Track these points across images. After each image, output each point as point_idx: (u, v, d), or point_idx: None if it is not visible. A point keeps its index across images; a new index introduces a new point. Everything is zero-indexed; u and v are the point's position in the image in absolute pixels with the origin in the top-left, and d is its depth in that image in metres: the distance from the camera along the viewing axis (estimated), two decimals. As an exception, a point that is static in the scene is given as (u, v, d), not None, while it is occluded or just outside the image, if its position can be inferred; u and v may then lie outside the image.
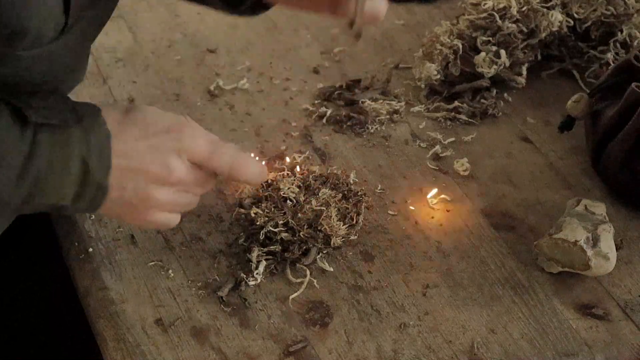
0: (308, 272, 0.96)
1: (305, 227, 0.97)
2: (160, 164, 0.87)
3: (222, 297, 0.94)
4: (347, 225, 1.00)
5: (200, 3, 1.10)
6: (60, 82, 0.92)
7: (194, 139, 0.89)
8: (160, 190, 0.89)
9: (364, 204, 1.02)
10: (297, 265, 0.98)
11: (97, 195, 0.86)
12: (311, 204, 0.99)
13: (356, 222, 1.01)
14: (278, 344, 0.91)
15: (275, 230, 0.97)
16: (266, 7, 1.00)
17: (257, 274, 0.96)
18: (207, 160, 0.89)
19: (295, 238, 0.97)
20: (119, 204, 0.87)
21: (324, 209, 0.98)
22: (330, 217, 0.98)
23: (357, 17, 0.87)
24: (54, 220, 1.04)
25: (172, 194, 0.89)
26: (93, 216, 1.03)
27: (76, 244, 1.01)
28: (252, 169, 0.92)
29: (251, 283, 0.96)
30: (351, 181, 1.05)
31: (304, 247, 0.97)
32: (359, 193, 1.03)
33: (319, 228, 0.97)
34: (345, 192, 1.02)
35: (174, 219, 0.92)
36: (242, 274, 0.96)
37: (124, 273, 0.97)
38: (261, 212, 0.98)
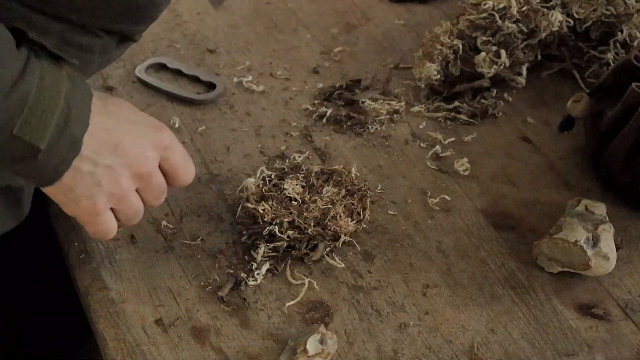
0: (306, 279, 0.96)
1: (313, 225, 0.97)
2: (139, 148, 0.84)
3: (222, 297, 0.94)
4: (355, 221, 1.00)
5: None
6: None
7: (176, 141, 0.88)
8: (128, 180, 0.84)
9: (369, 198, 1.02)
10: (298, 266, 0.98)
11: (68, 153, 0.79)
12: (317, 203, 0.99)
13: (363, 217, 1.01)
14: (278, 344, 0.91)
15: (282, 228, 0.97)
16: None
17: (257, 274, 0.96)
18: (178, 168, 0.88)
19: (302, 236, 0.97)
20: (84, 181, 0.81)
21: (331, 207, 0.98)
22: (338, 215, 0.98)
23: None
24: (54, 220, 1.04)
25: (132, 191, 0.85)
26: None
27: (76, 244, 1.00)
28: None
29: (251, 283, 0.96)
30: (353, 176, 1.05)
31: (313, 243, 0.97)
32: (363, 188, 1.03)
33: (328, 227, 0.97)
34: (349, 188, 1.02)
35: (112, 229, 0.87)
36: (242, 274, 0.96)
37: (124, 273, 0.97)
38: (269, 208, 0.98)
